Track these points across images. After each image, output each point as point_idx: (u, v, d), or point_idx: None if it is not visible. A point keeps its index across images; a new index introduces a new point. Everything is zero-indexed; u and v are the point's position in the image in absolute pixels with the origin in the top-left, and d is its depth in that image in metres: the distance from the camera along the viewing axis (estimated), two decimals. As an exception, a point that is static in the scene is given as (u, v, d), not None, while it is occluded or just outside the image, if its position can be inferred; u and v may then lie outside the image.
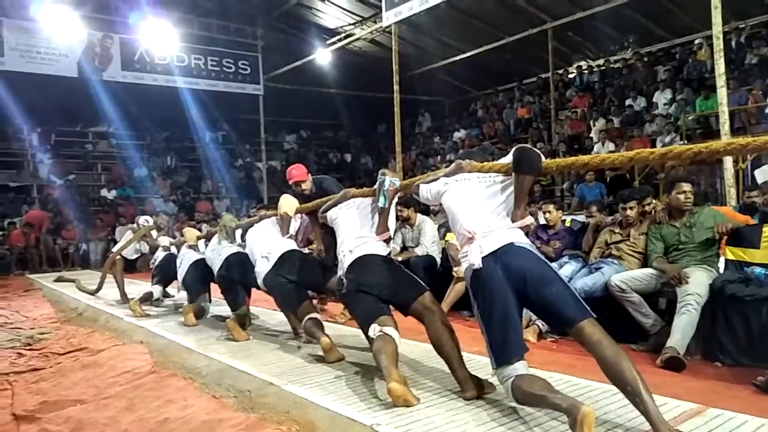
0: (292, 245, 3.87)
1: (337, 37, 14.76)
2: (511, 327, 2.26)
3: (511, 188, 2.46)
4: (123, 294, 6.27)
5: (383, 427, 2.22)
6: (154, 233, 6.42)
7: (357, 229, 3.11)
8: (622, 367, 2.01)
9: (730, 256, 3.79)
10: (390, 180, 2.99)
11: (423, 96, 18.17)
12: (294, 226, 4.03)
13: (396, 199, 3.15)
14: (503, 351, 2.26)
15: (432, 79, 17.04)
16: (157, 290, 5.60)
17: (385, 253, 3.03)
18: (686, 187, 3.83)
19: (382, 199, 2.98)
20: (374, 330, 2.69)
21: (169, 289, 5.92)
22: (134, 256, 6.82)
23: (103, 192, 14.52)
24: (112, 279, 6.56)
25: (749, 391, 2.84)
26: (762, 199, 5.59)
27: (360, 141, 19.33)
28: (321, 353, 3.34)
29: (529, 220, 2.47)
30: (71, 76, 13.32)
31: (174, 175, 16.02)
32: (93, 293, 6.77)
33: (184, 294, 5.18)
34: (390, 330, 2.69)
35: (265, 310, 5.15)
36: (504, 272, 2.27)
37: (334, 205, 3.39)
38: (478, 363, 2.85)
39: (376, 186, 3.08)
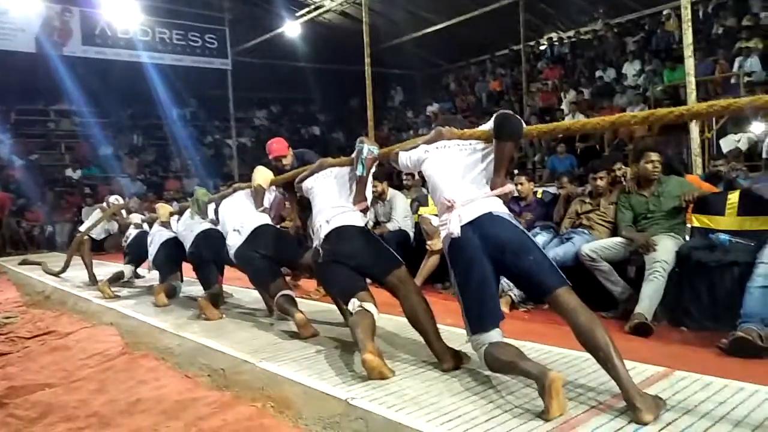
0: (265, 219, 3.79)
1: (306, 9, 14.43)
2: (487, 295, 2.28)
3: (492, 156, 2.43)
4: (92, 275, 6.13)
5: (358, 400, 2.23)
6: (123, 212, 6.27)
7: (334, 199, 3.05)
8: (595, 334, 2.05)
9: (696, 224, 3.88)
10: (368, 148, 2.93)
11: (395, 69, 18.00)
12: (268, 198, 3.95)
13: (373, 170, 3.09)
14: (479, 319, 2.27)
15: (404, 52, 16.85)
16: (127, 270, 5.49)
17: (362, 224, 2.99)
18: (654, 156, 3.88)
19: (360, 167, 2.92)
20: (353, 305, 2.67)
21: (140, 270, 5.81)
22: (102, 236, 6.66)
23: (68, 172, 14.11)
24: (80, 260, 6.41)
25: (713, 354, 2.92)
26: (727, 167, 5.73)
27: (332, 115, 19.11)
28: (295, 330, 3.32)
29: (509, 187, 2.45)
30: (29, 52, 12.78)
31: (141, 154, 15.64)
32: (58, 274, 6.62)
33: (154, 274, 5.10)
34: (369, 306, 2.68)
35: (238, 288, 5.10)
36: (482, 241, 2.28)
37: (310, 174, 3.32)
38: (452, 334, 2.87)
39: (353, 154, 3.01)
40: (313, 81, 16.81)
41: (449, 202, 2.39)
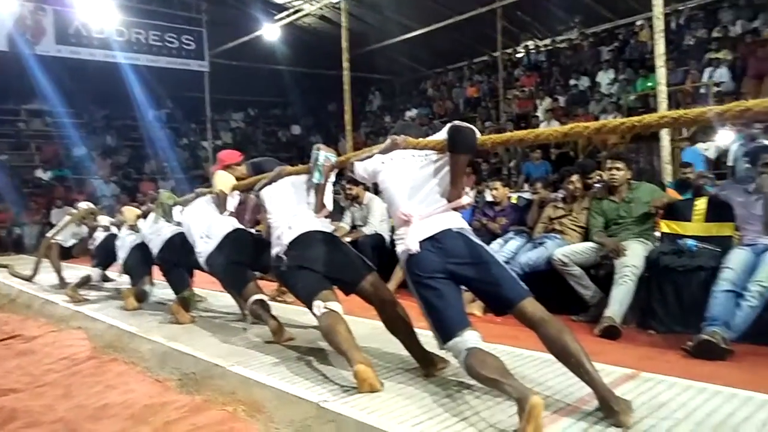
0: (234, 224, 3.73)
1: (286, 13, 14.38)
2: (449, 307, 2.24)
3: (447, 168, 2.39)
4: (61, 279, 6.02)
5: (330, 403, 2.22)
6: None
7: (293, 206, 3.01)
8: (565, 342, 2.05)
9: (665, 229, 3.97)
10: (324, 155, 2.89)
11: (373, 74, 18.03)
12: (232, 203, 3.88)
13: (333, 177, 3.07)
14: (447, 327, 2.23)
15: (382, 58, 16.91)
16: (95, 273, 5.38)
17: (328, 230, 2.97)
18: (617, 164, 3.96)
19: (317, 174, 2.88)
20: (318, 307, 2.62)
21: (110, 273, 5.71)
22: (70, 243, 6.55)
23: (38, 173, 13.80)
24: (49, 264, 6.28)
25: (679, 356, 2.99)
26: (695, 175, 5.88)
27: (310, 119, 19.04)
28: (268, 334, 3.29)
29: (465, 200, 2.41)
30: (1, 50, 12.49)
31: (114, 155, 15.37)
32: (29, 279, 6.47)
33: (125, 277, 5.01)
34: (334, 305, 2.63)
35: (211, 291, 5.03)
36: (440, 257, 2.26)
37: (269, 183, 3.27)
38: (428, 337, 2.87)
39: (310, 162, 2.98)
40: (292, 84, 16.74)
41: (406, 216, 2.35)
